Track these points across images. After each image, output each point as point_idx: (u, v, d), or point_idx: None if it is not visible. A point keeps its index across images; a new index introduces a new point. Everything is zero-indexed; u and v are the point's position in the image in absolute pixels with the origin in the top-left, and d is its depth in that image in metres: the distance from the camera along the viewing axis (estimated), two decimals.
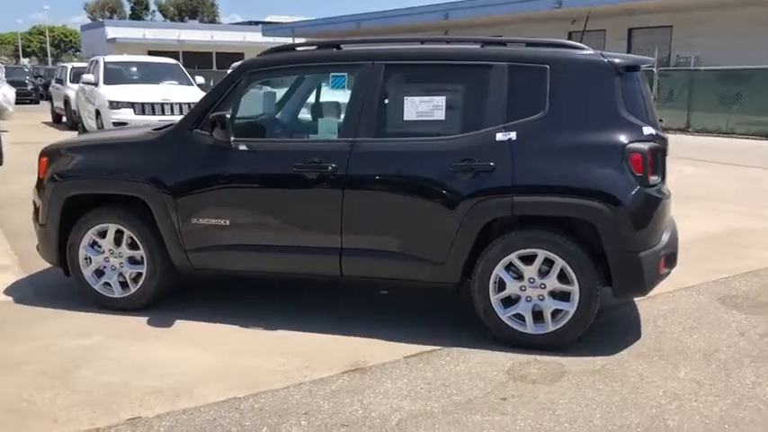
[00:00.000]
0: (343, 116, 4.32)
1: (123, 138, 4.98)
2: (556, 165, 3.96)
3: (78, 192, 4.68)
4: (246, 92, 4.46)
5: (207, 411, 3.42)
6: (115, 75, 12.56)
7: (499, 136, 4.02)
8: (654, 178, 3.99)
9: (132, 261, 4.68)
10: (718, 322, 4.61)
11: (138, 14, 72.25)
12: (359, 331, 4.39)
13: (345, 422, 3.32)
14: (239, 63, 4.57)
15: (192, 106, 4.62)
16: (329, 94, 4.83)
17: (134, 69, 12.96)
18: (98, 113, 12.05)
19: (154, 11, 68.79)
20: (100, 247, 4.73)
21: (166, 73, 13.15)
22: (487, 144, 4.02)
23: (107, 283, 4.74)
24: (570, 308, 4.03)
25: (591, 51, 4.13)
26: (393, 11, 40.36)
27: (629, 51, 34.65)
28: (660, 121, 4.27)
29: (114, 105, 11.53)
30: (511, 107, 4.04)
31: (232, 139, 4.27)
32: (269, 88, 4.97)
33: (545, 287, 4.05)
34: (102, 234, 4.69)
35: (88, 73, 13.13)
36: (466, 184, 4.03)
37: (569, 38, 37.36)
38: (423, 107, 4.17)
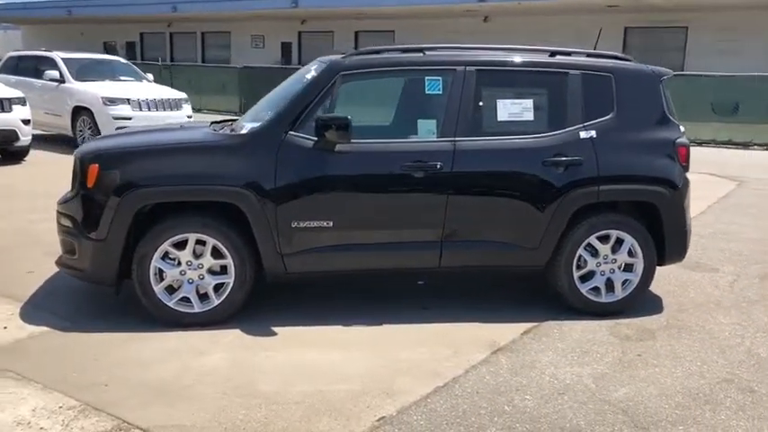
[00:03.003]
0: (441, 117, 4.59)
1: (197, 141, 4.60)
2: (629, 158, 4.73)
3: (157, 201, 4.30)
4: (340, 94, 4.50)
5: (436, 401, 3.58)
6: None
7: (582, 134, 4.67)
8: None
9: (213, 272, 4.43)
10: (693, 281, 5.76)
11: None
12: (449, 318, 4.72)
13: (559, 390, 3.74)
14: (328, 64, 4.56)
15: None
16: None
17: None
18: None
19: None
20: (173, 259, 4.38)
21: None
22: (573, 141, 4.65)
23: (184, 298, 4.41)
24: (635, 278, 4.84)
25: (638, 63, 4.98)
26: None
27: None
28: None
29: None
30: (586, 109, 4.72)
31: (352, 141, 4.32)
32: None
33: (616, 261, 4.81)
34: (177, 245, 4.35)
35: None
36: (559, 176, 4.61)
37: (299, 37, 38.65)
38: (514, 108, 4.65)
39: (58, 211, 4.57)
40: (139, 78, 13.50)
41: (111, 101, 11.82)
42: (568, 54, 4.92)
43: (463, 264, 4.72)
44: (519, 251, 4.68)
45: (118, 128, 11.51)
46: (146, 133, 5.09)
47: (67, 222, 4.44)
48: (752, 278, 5.89)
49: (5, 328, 4.36)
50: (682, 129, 4.94)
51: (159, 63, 27.18)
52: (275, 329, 4.44)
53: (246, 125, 4.66)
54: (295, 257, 4.45)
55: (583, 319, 4.75)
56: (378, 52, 4.72)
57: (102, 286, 4.55)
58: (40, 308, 4.72)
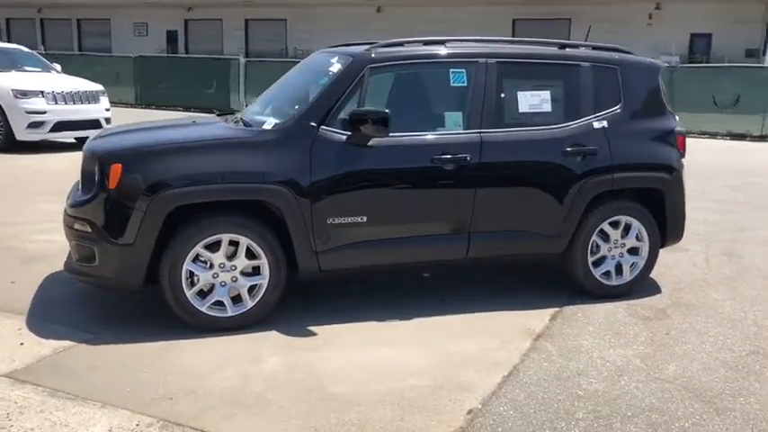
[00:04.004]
0: (467, 109, 4.62)
1: (225, 137, 4.36)
2: (637, 147, 4.96)
3: (192, 201, 4.07)
4: (370, 87, 4.42)
5: (512, 391, 3.63)
6: None
7: (595, 124, 4.85)
8: None
9: (245, 273, 4.26)
10: (672, 262, 6.03)
11: None
12: (471, 308, 4.77)
13: (616, 372, 3.89)
14: (355, 57, 4.46)
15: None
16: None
17: None
18: None
19: None
20: (205, 262, 4.18)
21: None
22: (588, 131, 4.82)
23: (216, 302, 4.22)
24: (641, 260, 5.09)
25: (638, 55, 5.21)
26: None
27: (246, 42, 36.27)
28: None
29: None
30: (598, 100, 4.90)
31: (390, 134, 4.27)
32: None
33: (625, 246, 5.04)
34: (209, 247, 4.15)
35: None
36: (577, 166, 4.77)
37: (185, 25, 37.46)
38: (533, 100, 4.76)
39: (70, 216, 4.24)
40: (47, 69, 12.59)
41: (23, 93, 10.97)
42: (576, 47, 5.08)
43: (488, 254, 4.79)
44: (540, 239, 4.80)
45: (32, 123, 10.83)
46: (159, 129, 4.78)
47: (84, 227, 4.12)
48: (720, 256, 6.33)
49: (22, 344, 4.00)
50: (677, 118, 5.23)
51: (43, 52, 25.39)
52: (313, 329, 4.33)
53: (269, 120, 4.49)
54: (329, 254, 4.36)
55: (596, 302, 4.95)
56: (401, 45, 4.67)
57: (127, 293, 4.30)
58: (46, 320, 4.36)
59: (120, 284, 4.17)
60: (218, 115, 5.25)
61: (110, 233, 4.05)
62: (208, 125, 4.83)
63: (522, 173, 4.74)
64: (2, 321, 4.32)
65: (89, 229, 4.10)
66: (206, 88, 20.90)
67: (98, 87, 12.11)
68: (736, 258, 6.27)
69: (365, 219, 4.38)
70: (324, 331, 4.32)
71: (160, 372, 3.72)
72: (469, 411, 3.41)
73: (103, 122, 11.79)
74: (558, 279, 5.29)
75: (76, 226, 4.17)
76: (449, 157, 4.48)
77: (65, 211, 4.37)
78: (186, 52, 35.42)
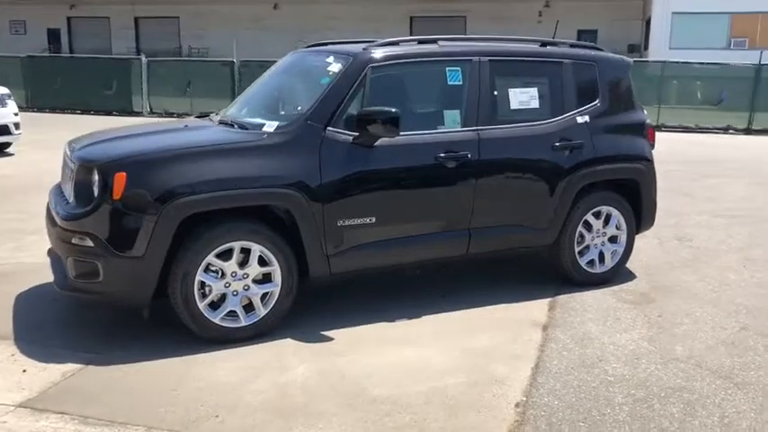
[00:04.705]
0: (463, 107, 4.66)
1: (231, 141, 4.14)
2: (615, 140, 5.18)
3: (205, 209, 3.90)
4: (372, 86, 4.38)
5: (547, 381, 3.71)
6: None
7: (579, 119, 5.02)
8: None
9: (257, 281, 4.13)
10: (634, 249, 6.37)
11: None
12: (471, 303, 4.84)
13: (632, 356, 4.05)
14: (356, 57, 4.39)
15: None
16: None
17: None
18: None
19: None
20: (216, 271, 4.02)
21: None
22: (573, 126, 4.99)
23: (231, 313, 4.07)
24: (620, 248, 5.32)
25: (610, 52, 5.43)
26: None
27: (137, 40, 34.90)
28: None
29: None
30: (579, 96, 5.07)
31: (400, 134, 4.25)
32: None
33: (606, 234, 5.25)
34: (220, 256, 4.00)
35: None
36: (565, 159, 4.92)
37: (68, 23, 35.62)
38: (523, 97, 4.87)
39: (66, 230, 3.94)
40: None
41: None
42: (555, 45, 5.23)
43: (487, 249, 4.85)
44: (534, 232, 4.93)
45: None
46: (154, 135, 4.50)
47: (84, 241, 3.85)
48: (671, 240, 6.71)
49: (25, 371, 3.71)
50: (645, 111, 5.49)
51: None
52: (328, 334, 4.26)
53: (268, 122, 4.35)
54: (339, 257, 4.29)
55: (584, 290, 5.13)
56: (397, 44, 4.64)
57: (133, 309, 4.06)
58: (38, 343, 4.06)
59: (128, 299, 3.94)
60: (197, 117, 5.04)
61: (116, 246, 3.81)
62: (204, 129, 4.62)
63: (517, 168, 4.84)
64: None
65: (91, 243, 3.84)
66: (105, 89, 19.97)
67: (3, 90, 11.29)
68: (686, 242, 6.66)
69: (374, 219, 4.34)
70: (339, 335, 4.25)
71: (189, 388, 3.55)
72: (517, 404, 3.46)
73: (12, 128, 11.06)
74: (540, 269, 5.45)
75: (74, 240, 3.89)
76: (451, 154, 4.51)
77: (54, 224, 4.08)
78: (71, 51, 33.68)
